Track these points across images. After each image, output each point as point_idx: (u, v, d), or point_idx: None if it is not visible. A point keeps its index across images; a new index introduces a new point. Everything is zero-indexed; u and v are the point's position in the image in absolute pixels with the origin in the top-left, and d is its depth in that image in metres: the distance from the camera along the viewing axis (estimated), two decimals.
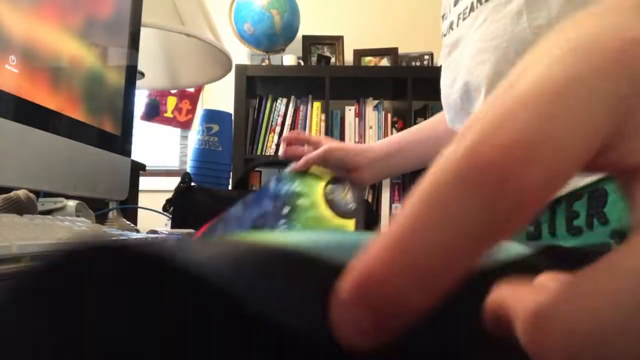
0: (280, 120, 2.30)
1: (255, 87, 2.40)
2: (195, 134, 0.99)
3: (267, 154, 2.28)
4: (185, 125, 2.63)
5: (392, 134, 2.34)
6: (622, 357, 0.09)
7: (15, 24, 0.42)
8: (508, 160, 0.10)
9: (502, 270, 0.12)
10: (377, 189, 2.27)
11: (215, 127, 0.97)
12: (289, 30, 2.29)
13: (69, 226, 0.44)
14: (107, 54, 0.60)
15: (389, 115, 2.35)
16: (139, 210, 1.11)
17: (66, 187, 0.51)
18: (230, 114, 1.03)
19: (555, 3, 0.44)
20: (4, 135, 0.40)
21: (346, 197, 0.54)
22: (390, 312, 0.10)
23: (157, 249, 0.10)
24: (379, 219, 2.11)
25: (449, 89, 0.57)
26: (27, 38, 0.44)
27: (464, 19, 0.53)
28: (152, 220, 0.96)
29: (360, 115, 2.34)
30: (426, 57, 2.46)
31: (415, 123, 2.32)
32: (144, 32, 0.74)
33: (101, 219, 0.84)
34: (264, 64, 2.33)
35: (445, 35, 0.58)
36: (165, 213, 0.76)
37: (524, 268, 0.12)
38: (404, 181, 2.21)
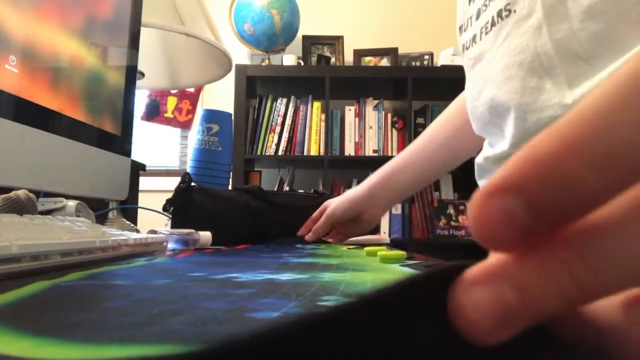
0: (280, 120, 2.30)
1: (255, 87, 2.40)
2: (195, 134, 0.99)
3: (267, 154, 2.28)
4: (185, 125, 2.63)
5: (392, 134, 2.34)
6: None
7: (15, 24, 0.42)
8: None
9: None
10: None
11: (215, 127, 0.97)
12: (289, 30, 2.29)
13: (69, 226, 0.44)
14: (107, 54, 0.61)
15: (389, 115, 2.35)
16: (139, 210, 1.11)
17: (66, 187, 0.51)
18: (230, 114, 1.03)
19: (576, 15, 0.44)
20: (4, 135, 0.41)
21: None
22: (559, 200, 0.09)
23: None
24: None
25: (475, 101, 0.58)
26: (27, 38, 0.44)
27: (486, 33, 0.55)
28: (152, 220, 0.96)
29: (360, 115, 2.34)
30: (426, 57, 2.46)
31: (415, 123, 2.32)
32: (144, 32, 0.74)
33: (101, 219, 0.84)
34: (264, 64, 2.33)
35: (467, 48, 0.59)
36: (165, 213, 0.76)
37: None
38: None
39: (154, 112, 2.62)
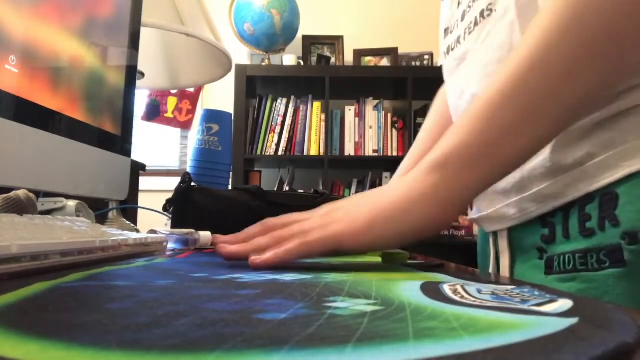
0: (280, 120, 2.30)
1: (255, 87, 2.40)
2: (195, 134, 0.99)
3: (267, 154, 2.28)
4: (185, 125, 2.63)
5: (392, 134, 2.33)
6: None
7: (15, 24, 0.42)
8: None
9: None
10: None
11: (215, 127, 0.96)
12: (289, 30, 2.29)
13: (69, 226, 0.44)
14: (107, 54, 0.60)
15: (389, 115, 2.35)
16: (139, 210, 1.11)
17: (66, 187, 0.51)
18: (230, 114, 1.03)
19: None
20: (4, 135, 0.40)
21: None
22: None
23: None
24: None
25: (458, 100, 0.59)
26: (27, 38, 0.44)
27: (469, 33, 0.56)
28: (152, 220, 0.96)
29: (360, 115, 2.34)
30: (426, 57, 2.46)
31: (415, 123, 2.32)
32: (144, 32, 0.74)
33: (101, 219, 0.83)
34: (264, 64, 2.32)
35: (453, 49, 0.60)
36: (165, 213, 0.76)
37: None
38: None
39: (154, 112, 2.62)
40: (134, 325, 0.15)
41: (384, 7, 2.61)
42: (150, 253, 0.49)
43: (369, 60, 2.49)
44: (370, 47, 2.49)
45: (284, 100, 2.32)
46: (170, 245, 0.59)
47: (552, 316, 0.17)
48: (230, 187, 1.07)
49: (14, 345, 0.12)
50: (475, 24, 0.54)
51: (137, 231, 0.86)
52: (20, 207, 0.60)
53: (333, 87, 2.24)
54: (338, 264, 0.41)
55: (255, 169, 2.40)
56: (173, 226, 0.71)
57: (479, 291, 0.23)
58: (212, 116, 0.98)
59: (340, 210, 0.41)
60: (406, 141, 2.29)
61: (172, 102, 2.62)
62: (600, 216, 0.41)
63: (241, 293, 0.22)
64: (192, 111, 2.63)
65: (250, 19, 2.24)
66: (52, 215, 0.64)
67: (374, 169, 2.41)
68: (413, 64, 2.45)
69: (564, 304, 0.19)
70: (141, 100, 2.58)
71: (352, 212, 0.40)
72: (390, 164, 2.35)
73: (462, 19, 0.58)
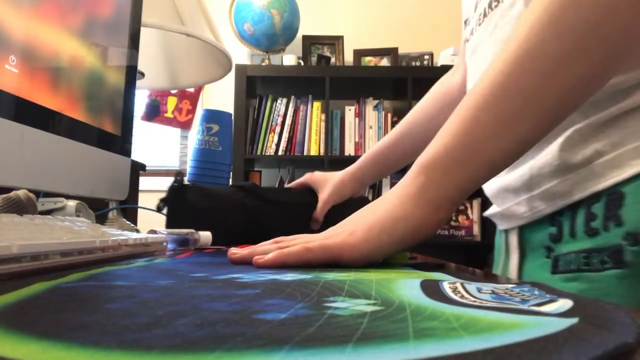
0: (280, 120, 2.30)
1: (255, 87, 2.40)
2: (195, 134, 0.99)
3: (267, 154, 2.28)
4: (185, 125, 2.63)
5: None
6: None
7: (15, 24, 0.42)
8: None
9: None
10: (376, 188, 2.27)
11: (215, 127, 0.96)
12: (289, 30, 2.29)
13: (69, 226, 0.44)
14: (107, 54, 0.60)
15: (389, 115, 2.35)
16: (139, 210, 1.11)
17: (66, 187, 0.51)
18: (230, 114, 1.03)
19: None
20: (4, 135, 0.40)
21: None
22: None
23: None
24: None
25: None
26: (27, 38, 0.44)
27: (479, 24, 0.56)
28: (152, 220, 0.96)
29: (360, 115, 2.34)
30: (426, 57, 2.46)
31: None
32: (144, 32, 0.74)
33: (101, 219, 0.83)
34: (264, 64, 2.32)
35: (468, 41, 0.61)
36: (159, 213, 0.76)
37: None
38: None
39: (154, 112, 2.61)
40: (134, 325, 0.15)
41: (384, 7, 2.61)
42: (150, 253, 0.49)
43: (369, 60, 2.49)
44: (370, 47, 2.49)
45: (284, 100, 2.32)
46: (170, 245, 0.59)
47: (552, 316, 0.17)
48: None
49: (14, 345, 0.12)
50: (485, 15, 0.54)
51: (137, 231, 0.86)
52: (20, 207, 0.60)
53: (333, 87, 2.24)
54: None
55: (255, 169, 2.41)
56: (168, 226, 0.71)
57: (479, 290, 0.23)
58: (212, 116, 0.98)
59: (343, 227, 0.43)
60: None
61: (172, 102, 2.62)
62: (605, 216, 0.41)
63: (241, 293, 0.22)
64: (192, 111, 2.63)
65: (250, 19, 2.24)
66: (52, 215, 0.64)
67: None
68: (413, 64, 2.45)
69: (564, 303, 0.19)
70: (141, 100, 2.58)
71: (352, 227, 0.41)
72: None
73: (475, 10, 0.58)
